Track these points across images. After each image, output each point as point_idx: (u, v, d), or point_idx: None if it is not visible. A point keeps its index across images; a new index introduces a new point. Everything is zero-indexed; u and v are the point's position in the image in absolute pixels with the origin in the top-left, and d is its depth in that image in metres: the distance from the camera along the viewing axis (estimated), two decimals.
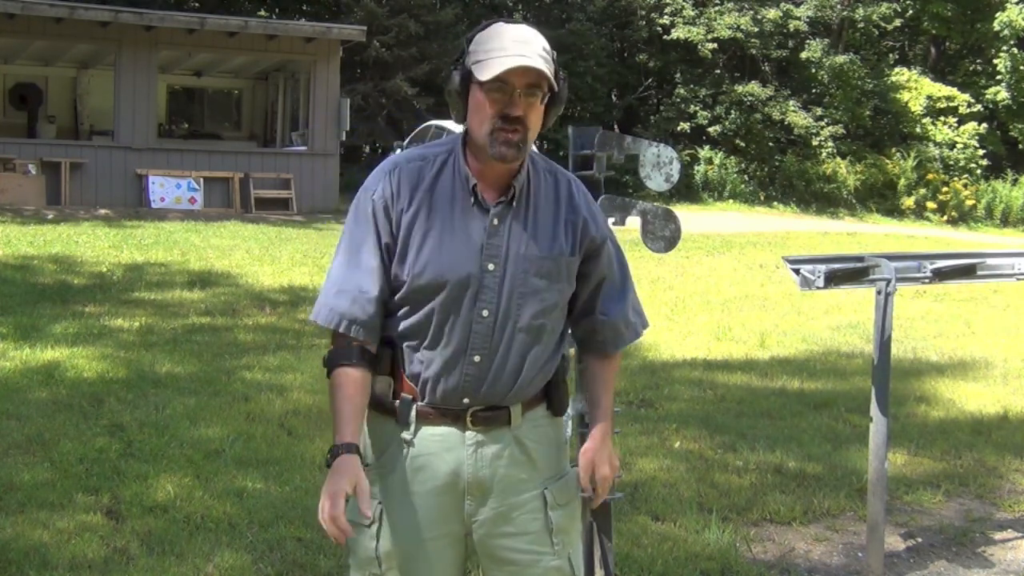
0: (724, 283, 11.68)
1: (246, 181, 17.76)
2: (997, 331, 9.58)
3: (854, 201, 24.76)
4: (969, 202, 25.20)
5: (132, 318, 8.03)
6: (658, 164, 3.27)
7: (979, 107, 26.55)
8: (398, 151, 3.07)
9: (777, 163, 24.89)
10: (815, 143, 24.78)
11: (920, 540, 4.44)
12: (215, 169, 17.77)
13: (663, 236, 3.28)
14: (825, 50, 25.27)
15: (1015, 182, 25.97)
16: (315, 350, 7.05)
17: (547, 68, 2.08)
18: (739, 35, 24.36)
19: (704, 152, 24.16)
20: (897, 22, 26.83)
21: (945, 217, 24.93)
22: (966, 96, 26.33)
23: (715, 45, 24.42)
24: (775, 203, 24.25)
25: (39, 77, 20.16)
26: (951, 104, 26.18)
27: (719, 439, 5.60)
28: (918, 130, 26.05)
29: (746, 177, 24.53)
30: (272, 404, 5.84)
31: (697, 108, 24.80)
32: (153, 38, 17.42)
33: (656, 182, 3.26)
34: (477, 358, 2.14)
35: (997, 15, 25.85)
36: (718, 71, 25.42)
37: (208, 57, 19.63)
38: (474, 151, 2.17)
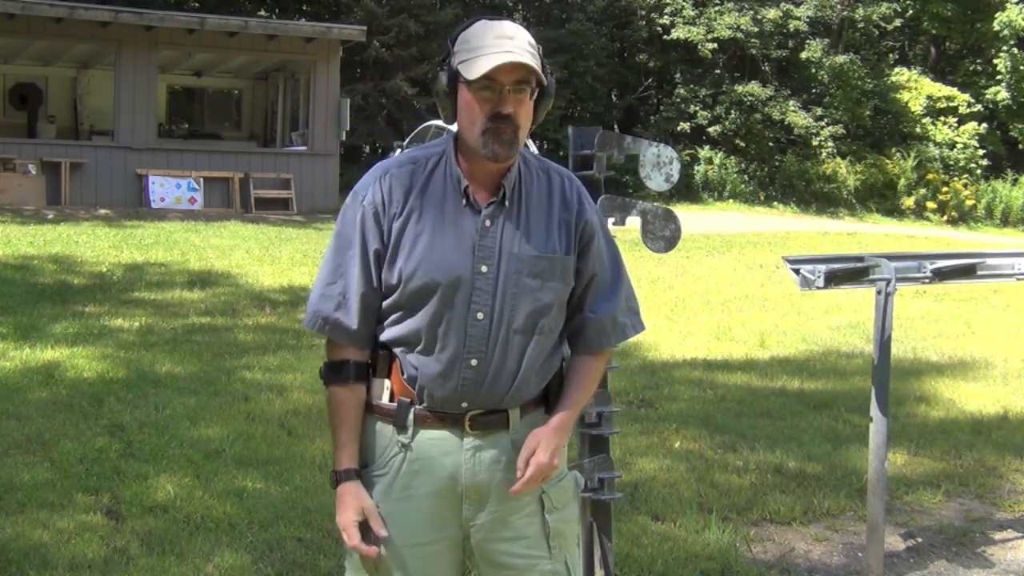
0: (724, 283, 11.68)
1: (246, 181, 17.76)
2: (997, 331, 9.58)
3: (854, 201, 24.76)
4: (969, 202, 25.20)
5: (132, 318, 8.03)
6: (658, 164, 3.27)
7: (979, 107, 26.55)
8: (398, 151, 3.06)
9: (777, 163, 24.90)
10: (815, 143, 24.79)
11: (920, 540, 4.44)
12: (215, 169, 17.77)
13: (663, 236, 3.27)
14: (825, 50, 25.28)
15: (1015, 182, 25.98)
16: (315, 350, 7.04)
17: (534, 63, 2.06)
18: (739, 35, 24.35)
19: (704, 152, 24.16)
20: (897, 22, 26.84)
21: (945, 217, 24.93)
22: (966, 96, 26.33)
23: (715, 45, 24.42)
24: (775, 203, 24.25)
25: (39, 77, 20.16)
26: (951, 104, 26.18)
27: (719, 439, 5.60)
28: (918, 130, 26.05)
29: (746, 177, 24.54)
30: (272, 404, 5.84)
31: (697, 108, 24.80)
32: (153, 38, 17.42)
33: (656, 182, 3.26)
34: (474, 361, 2.13)
35: (997, 15, 25.84)
36: (718, 71, 25.43)
37: (208, 57, 19.62)
38: (465, 151, 2.16)
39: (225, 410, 5.67)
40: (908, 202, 24.97)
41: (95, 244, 11.99)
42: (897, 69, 27.18)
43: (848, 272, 3.88)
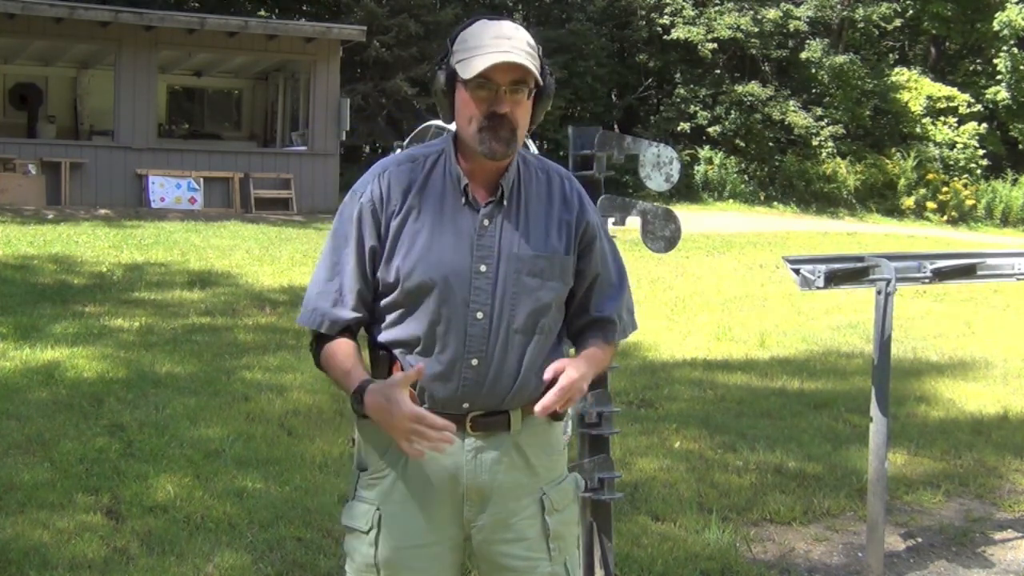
0: (724, 283, 11.67)
1: (246, 181, 17.76)
2: (997, 331, 9.59)
3: (854, 201, 24.76)
4: (969, 202, 25.20)
5: (132, 318, 8.03)
6: (658, 164, 3.27)
7: (979, 107, 26.54)
8: (398, 151, 3.05)
9: (777, 163, 24.89)
10: (815, 143, 24.79)
11: (920, 540, 4.44)
12: (215, 169, 17.76)
13: (663, 236, 3.28)
14: (825, 50, 25.27)
15: (1015, 182, 25.97)
16: None
17: (531, 63, 2.05)
18: (739, 35, 24.35)
19: (704, 152, 24.16)
20: (897, 22, 26.83)
21: (945, 217, 24.93)
22: (966, 96, 26.33)
23: (715, 45, 24.41)
24: (775, 203, 24.25)
25: (39, 77, 20.14)
26: (951, 104, 26.17)
27: (719, 439, 5.61)
28: (918, 130, 26.05)
29: (746, 177, 24.53)
30: (272, 404, 5.84)
31: (697, 108, 24.79)
32: (153, 38, 17.41)
33: (656, 182, 3.26)
34: (475, 361, 2.12)
35: (997, 15, 25.84)
36: (718, 71, 25.42)
37: (208, 57, 19.61)
38: (464, 150, 2.16)
39: (225, 410, 5.67)
40: (908, 202, 24.97)
41: (95, 244, 11.99)
42: (897, 69, 27.18)
43: (848, 272, 3.88)
